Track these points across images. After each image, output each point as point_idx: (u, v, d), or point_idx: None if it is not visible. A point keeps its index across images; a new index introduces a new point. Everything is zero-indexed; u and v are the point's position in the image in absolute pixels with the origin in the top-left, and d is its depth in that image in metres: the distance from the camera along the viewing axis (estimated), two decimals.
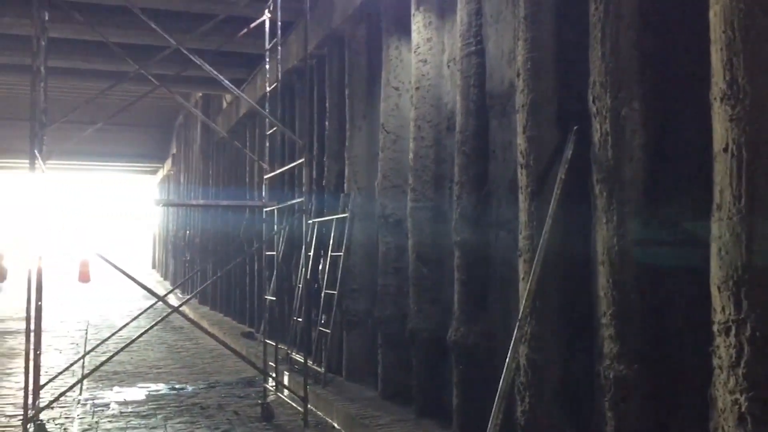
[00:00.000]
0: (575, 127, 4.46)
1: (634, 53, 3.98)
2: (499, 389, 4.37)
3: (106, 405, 7.77)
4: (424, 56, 6.68)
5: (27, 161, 22.06)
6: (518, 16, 4.85)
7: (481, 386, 5.43)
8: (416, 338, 6.51)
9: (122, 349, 6.84)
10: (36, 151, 5.97)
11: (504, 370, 4.41)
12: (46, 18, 6.44)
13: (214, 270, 16.84)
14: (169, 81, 9.56)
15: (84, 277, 30.25)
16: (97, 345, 8.08)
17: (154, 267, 36.28)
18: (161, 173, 32.93)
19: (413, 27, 6.83)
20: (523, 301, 4.48)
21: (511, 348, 4.43)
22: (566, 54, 4.63)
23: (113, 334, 8.01)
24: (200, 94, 19.92)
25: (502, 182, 5.43)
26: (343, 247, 8.25)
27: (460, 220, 5.75)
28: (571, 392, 4.44)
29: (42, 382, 6.71)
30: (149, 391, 8.47)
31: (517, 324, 4.46)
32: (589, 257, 4.27)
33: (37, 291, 6.03)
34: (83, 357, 8.50)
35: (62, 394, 6.66)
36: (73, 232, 7.08)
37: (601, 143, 4.10)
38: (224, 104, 17.63)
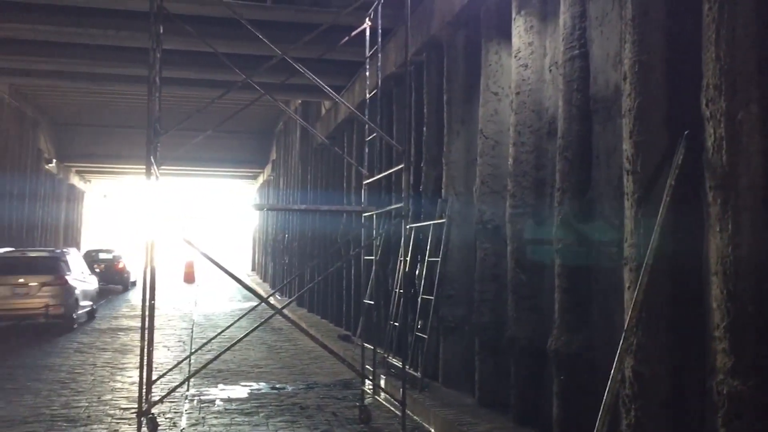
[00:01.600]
0: (686, 132, 4.30)
1: (752, 54, 3.81)
2: (603, 401, 4.26)
3: (212, 401, 8.08)
4: (524, 60, 6.60)
5: (142, 167, 23.22)
6: (625, 18, 4.73)
7: (583, 397, 5.31)
8: (515, 346, 6.44)
9: (227, 349, 7.09)
10: (151, 158, 6.29)
11: (609, 382, 4.30)
12: (161, 31, 6.78)
13: (312, 273, 17.19)
14: (273, 89, 9.87)
15: (189, 278, 31.55)
16: (203, 345, 8.41)
17: (253, 269, 37.39)
18: (261, 178, 33.93)
19: (514, 31, 6.77)
20: (629, 312, 4.35)
21: (616, 359, 4.31)
22: (676, 56, 4.47)
23: (218, 335, 8.31)
24: (299, 102, 20.42)
25: (606, 188, 5.30)
26: (440, 252, 8.26)
27: (561, 227, 5.65)
28: (680, 407, 4.28)
29: (153, 377, 7.05)
30: (251, 390, 8.74)
31: (623, 335, 4.34)
32: (701, 267, 4.11)
33: (150, 291, 6.33)
34: (190, 356, 8.88)
35: (173, 390, 6.97)
36: (181, 234, 7.43)
37: (715, 148, 3.94)
38: (323, 111, 18.00)
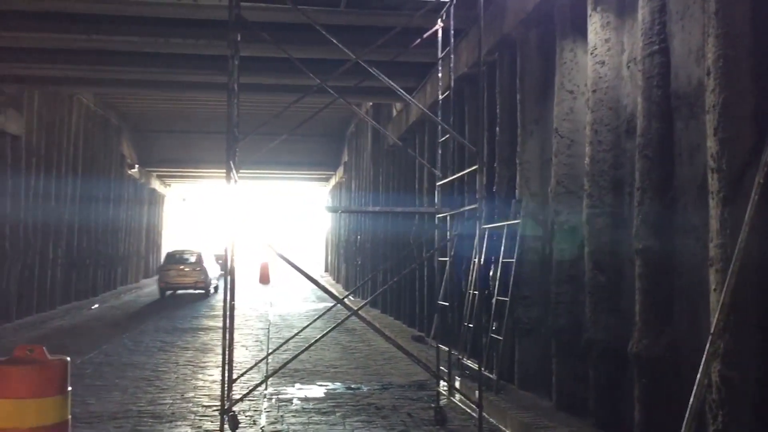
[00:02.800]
0: None
1: None
2: (689, 407, 4.14)
3: (289, 400, 8.23)
4: (601, 57, 6.48)
5: (219, 170, 23.87)
6: (708, 12, 4.58)
7: (666, 402, 5.16)
8: (593, 348, 6.32)
9: (305, 349, 7.22)
10: (231, 162, 6.47)
11: (695, 387, 4.17)
12: (239, 39, 6.96)
13: (385, 274, 17.29)
14: (345, 92, 9.98)
15: (264, 279, 32.21)
16: (280, 345, 8.58)
17: (326, 270, 37.87)
18: (333, 180, 34.34)
19: (590, 28, 6.65)
20: (716, 314, 4.21)
21: (702, 363, 4.18)
22: (763, 49, 4.30)
23: (295, 335, 8.46)
24: (371, 104, 20.58)
25: (689, 187, 5.15)
26: (515, 253, 8.18)
27: (642, 227, 5.51)
28: None
29: (233, 376, 7.24)
30: (327, 389, 8.87)
31: (709, 338, 4.20)
32: None
33: (230, 291, 6.51)
34: (267, 356, 9.07)
35: (253, 388, 7.14)
36: (257, 236, 7.60)
37: None
38: (394, 113, 18.08)
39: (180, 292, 24.38)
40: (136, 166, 29.64)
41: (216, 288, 25.39)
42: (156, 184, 35.67)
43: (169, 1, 10.08)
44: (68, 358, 4.81)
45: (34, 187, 16.91)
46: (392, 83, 7.38)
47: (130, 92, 20.33)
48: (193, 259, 24.00)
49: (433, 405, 7.56)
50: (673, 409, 5.02)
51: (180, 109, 25.28)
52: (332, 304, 8.12)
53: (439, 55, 8.20)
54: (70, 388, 4.76)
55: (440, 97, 8.18)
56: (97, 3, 10.29)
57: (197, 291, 24.21)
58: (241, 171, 6.97)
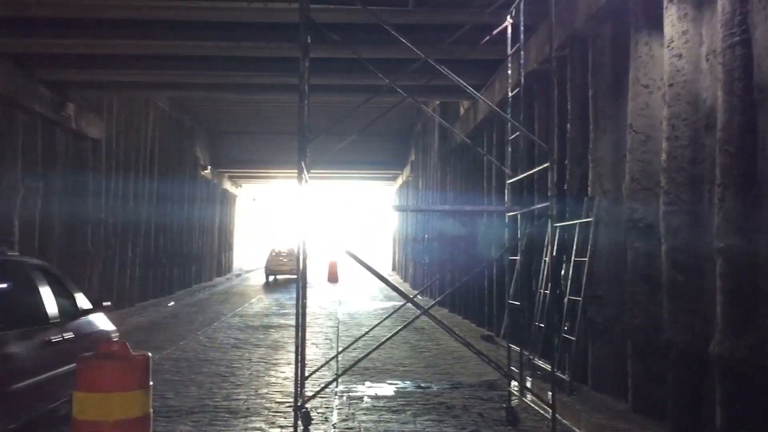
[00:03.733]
0: None
1: None
2: None
3: (360, 398, 8.30)
4: (678, 50, 6.28)
5: (289, 171, 24.40)
6: None
7: (751, 406, 4.97)
8: (671, 350, 6.14)
9: (376, 348, 7.26)
10: (302, 163, 6.57)
11: None
12: (309, 41, 7.06)
13: (453, 273, 17.23)
14: (413, 91, 10.02)
15: (333, 278, 32.55)
16: (351, 343, 8.66)
17: (394, 269, 37.98)
18: (400, 180, 34.41)
19: (666, 20, 6.46)
20: None
21: None
22: None
23: (365, 334, 8.52)
24: (438, 102, 20.53)
25: None
26: (588, 252, 8.02)
27: (723, 225, 5.32)
28: None
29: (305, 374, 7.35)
30: (397, 388, 8.90)
31: None
32: None
33: (302, 289, 6.60)
34: (338, 354, 9.17)
35: (326, 386, 7.23)
36: (326, 235, 7.70)
37: None
38: (461, 111, 17.99)
39: (279, 277, 32.81)
40: (209, 167, 30.40)
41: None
42: (228, 185, 36.51)
43: (240, 6, 10.30)
44: (149, 354, 4.98)
45: (114, 188, 17.58)
46: (462, 82, 7.35)
47: (203, 95, 20.88)
48: (286, 251, 31.84)
49: (504, 405, 7.50)
50: (757, 413, 4.84)
51: (251, 111, 25.81)
52: (401, 303, 8.14)
53: (509, 51, 8.12)
54: (151, 383, 4.93)
55: (510, 94, 8.09)
56: (171, 9, 10.61)
57: (293, 276, 31.36)
58: (311, 171, 7.06)
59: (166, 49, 12.52)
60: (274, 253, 32.36)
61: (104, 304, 7.20)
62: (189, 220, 26.22)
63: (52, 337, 6.14)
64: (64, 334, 6.33)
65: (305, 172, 6.68)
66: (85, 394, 4.72)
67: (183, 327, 15.44)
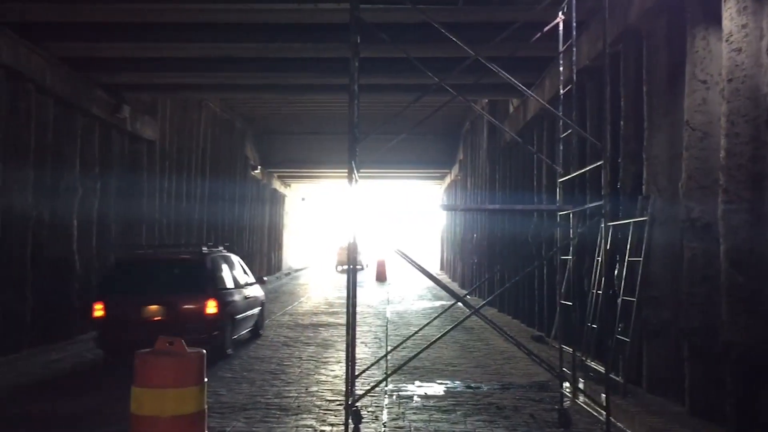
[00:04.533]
0: None
1: None
2: None
3: (410, 397, 8.30)
4: (737, 45, 6.10)
5: (338, 170, 24.59)
6: None
7: None
8: (731, 352, 5.97)
9: (426, 347, 7.25)
10: (352, 162, 6.60)
11: None
12: (358, 40, 7.08)
13: (502, 273, 17.09)
14: (462, 89, 9.95)
15: (381, 277, 32.61)
16: (401, 343, 8.66)
17: (442, 269, 37.86)
18: (448, 179, 34.28)
19: (724, 14, 6.28)
20: None
21: None
22: None
23: (414, 333, 8.52)
24: (486, 101, 20.38)
25: None
26: (642, 252, 7.86)
27: None
28: None
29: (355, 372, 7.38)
30: (447, 388, 8.87)
31: None
32: None
33: (353, 288, 6.63)
34: (388, 353, 9.18)
35: (376, 385, 7.25)
36: (376, 234, 7.69)
37: None
38: (510, 109, 17.83)
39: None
40: (259, 167, 30.78)
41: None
42: (277, 185, 36.90)
43: (290, 7, 10.40)
44: (204, 351, 5.06)
45: (167, 188, 17.95)
46: (513, 79, 7.28)
47: (253, 96, 21.16)
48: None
49: (556, 407, 7.40)
50: None
51: (300, 112, 26.04)
52: (450, 303, 8.11)
53: (560, 48, 8.01)
54: (206, 380, 5.01)
55: (561, 91, 7.98)
56: (223, 12, 10.77)
57: (358, 267, 32.26)
58: (360, 171, 7.08)
59: (218, 52, 12.73)
60: (341, 249, 37.67)
61: (263, 278, 15.18)
62: (239, 220, 26.60)
63: (245, 294, 12.10)
64: (247, 293, 12.12)
65: (355, 171, 6.70)
66: (141, 389, 4.82)
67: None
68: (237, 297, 11.64)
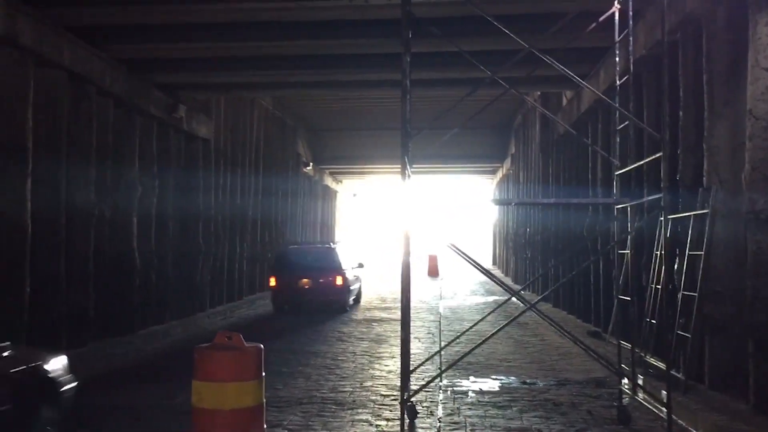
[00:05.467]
0: None
1: None
2: None
3: (464, 393, 8.28)
4: None
5: (389, 166, 24.59)
6: None
7: None
8: None
9: (481, 343, 7.22)
10: (405, 158, 6.60)
11: None
12: (410, 36, 7.07)
13: (556, 267, 16.87)
14: (514, 83, 9.84)
15: (433, 272, 32.57)
16: (455, 338, 8.64)
17: (494, 263, 37.59)
18: (500, 173, 33.99)
19: None
20: None
21: None
22: None
23: (469, 329, 8.48)
24: (538, 94, 20.12)
25: None
26: (703, 246, 7.66)
27: None
28: None
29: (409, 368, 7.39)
30: (502, 383, 8.81)
31: None
32: None
33: (406, 284, 6.64)
34: (441, 349, 9.17)
35: (432, 380, 7.27)
36: (427, 229, 7.69)
37: None
38: (564, 101, 17.56)
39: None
40: (311, 163, 31.06)
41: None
42: (328, 181, 37.18)
43: (341, 4, 10.44)
44: (262, 345, 5.14)
45: (222, 185, 18.27)
46: (567, 71, 7.17)
47: (304, 94, 21.32)
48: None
49: (614, 403, 7.28)
50: None
51: (351, 108, 26.15)
52: (503, 298, 8.04)
53: (616, 38, 7.85)
54: (264, 374, 5.09)
55: (618, 82, 7.83)
56: (274, 11, 10.88)
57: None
58: (412, 166, 7.07)
59: (270, 50, 12.86)
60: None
61: (362, 264, 19.26)
62: (292, 216, 26.90)
63: (354, 274, 17.28)
64: (354, 273, 17.21)
65: (408, 167, 6.70)
66: (202, 383, 4.92)
67: (289, 320, 15.86)
68: (350, 275, 17.57)
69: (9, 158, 9.65)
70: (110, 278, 12.54)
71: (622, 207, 7.92)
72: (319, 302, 16.66)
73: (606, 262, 12.26)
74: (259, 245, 21.72)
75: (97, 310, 11.95)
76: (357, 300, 19.05)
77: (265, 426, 5.07)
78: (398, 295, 7.13)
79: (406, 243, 6.72)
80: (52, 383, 5.90)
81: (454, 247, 6.75)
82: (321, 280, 16.74)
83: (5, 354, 5.69)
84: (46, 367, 5.90)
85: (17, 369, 5.61)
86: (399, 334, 10.32)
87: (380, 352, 11.29)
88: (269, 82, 15.90)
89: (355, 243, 43.92)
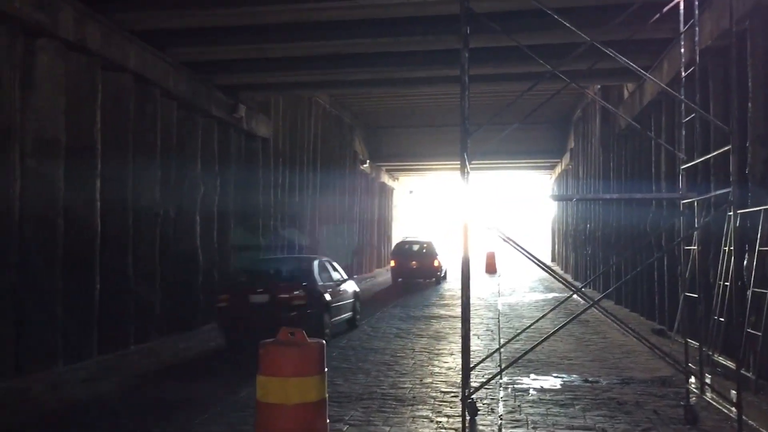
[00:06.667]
0: None
1: None
2: None
3: (525, 391, 8.20)
4: None
5: (446, 163, 24.50)
6: None
7: None
8: None
9: (543, 340, 7.12)
10: (464, 154, 6.57)
11: None
12: (468, 31, 7.03)
13: (619, 264, 16.54)
14: (574, 76, 9.70)
15: (490, 269, 32.33)
16: (516, 335, 8.57)
17: (553, 260, 37.08)
18: (558, 168, 33.49)
19: None
20: None
21: None
22: None
23: (530, 326, 8.39)
24: (598, 87, 19.75)
25: None
26: None
27: None
28: None
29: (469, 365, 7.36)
30: (564, 381, 8.69)
31: None
32: None
33: (466, 280, 6.61)
34: (501, 347, 9.11)
35: (492, 377, 7.22)
36: (484, 226, 7.65)
37: None
38: (625, 94, 17.19)
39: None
40: (368, 161, 31.20)
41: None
42: (385, 178, 37.27)
43: (398, 1, 10.46)
44: (324, 341, 5.20)
45: (281, 183, 18.53)
46: (631, 63, 7.02)
47: (361, 92, 21.45)
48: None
49: (681, 403, 7.10)
50: None
51: (407, 105, 26.17)
52: (563, 295, 7.93)
53: (681, 28, 7.64)
54: (326, 369, 5.15)
55: (683, 73, 7.62)
56: (331, 10, 10.98)
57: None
58: (470, 162, 7.03)
59: (327, 49, 12.99)
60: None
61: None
62: (350, 213, 27.07)
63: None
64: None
65: (467, 163, 6.67)
66: (266, 377, 5.01)
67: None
68: (442, 260, 25.52)
69: (79, 159, 10.01)
70: (175, 275, 12.88)
71: (689, 202, 7.71)
72: (422, 275, 25.21)
73: (671, 258, 11.96)
74: (317, 242, 21.95)
75: (162, 306, 12.30)
76: (444, 277, 26.87)
77: (327, 421, 5.12)
78: (455, 291, 7.11)
79: (466, 239, 6.69)
80: None
81: (513, 242, 6.68)
82: (425, 262, 25.23)
83: None
84: None
85: None
86: (457, 331, 10.33)
87: (439, 349, 11.28)
88: (327, 80, 16.05)
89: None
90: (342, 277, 14.07)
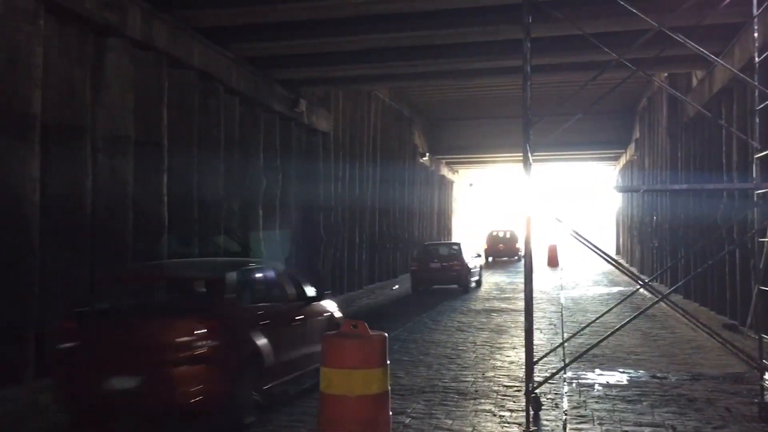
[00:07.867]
0: None
1: None
2: None
3: (590, 386, 8.05)
4: None
5: (507, 155, 24.16)
6: None
7: None
8: None
9: (609, 335, 6.98)
10: (527, 145, 6.48)
11: None
12: (530, 20, 6.91)
13: (687, 257, 16.06)
14: (640, 64, 9.40)
15: (552, 262, 31.86)
16: (581, 329, 8.41)
17: (617, 253, 36.26)
18: (623, 159, 32.70)
19: None
20: None
21: None
22: None
23: (595, 320, 8.23)
24: (665, 75, 19.17)
25: None
26: None
27: None
28: None
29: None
30: (631, 377, 8.49)
31: None
32: None
33: (529, 274, 6.52)
34: (564, 341, 8.96)
35: (557, 372, 7.12)
36: (549, 218, 7.51)
37: None
38: (694, 82, 16.64)
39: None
40: (427, 154, 31.10)
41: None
42: (444, 171, 37.10)
43: None
44: (386, 334, 5.21)
45: (342, 177, 18.65)
46: (702, 50, 6.78)
47: (421, 84, 21.38)
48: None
49: (755, 400, 6.84)
50: None
51: (467, 97, 25.95)
52: (628, 289, 7.74)
53: (755, 12, 7.33)
54: (388, 362, 5.16)
55: (756, 59, 7.31)
56: (390, 3, 10.96)
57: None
58: (532, 154, 6.91)
59: (387, 42, 12.98)
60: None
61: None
62: (409, 206, 27.06)
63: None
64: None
65: (530, 155, 6.57)
66: (330, 369, 5.05)
67: (409, 309, 16.01)
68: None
69: (148, 154, 10.28)
70: None
71: (763, 192, 7.40)
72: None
73: (743, 251, 11.54)
74: (377, 236, 22.02)
75: None
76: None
77: (390, 413, 5.14)
78: (516, 285, 6.98)
79: (528, 232, 6.59)
80: None
81: (578, 234, 6.55)
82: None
83: None
84: None
85: None
86: (518, 324, 10.23)
87: (501, 343, 11.18)
88: (386, 74, 16.06)
89: (471, 233, 43.69)
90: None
